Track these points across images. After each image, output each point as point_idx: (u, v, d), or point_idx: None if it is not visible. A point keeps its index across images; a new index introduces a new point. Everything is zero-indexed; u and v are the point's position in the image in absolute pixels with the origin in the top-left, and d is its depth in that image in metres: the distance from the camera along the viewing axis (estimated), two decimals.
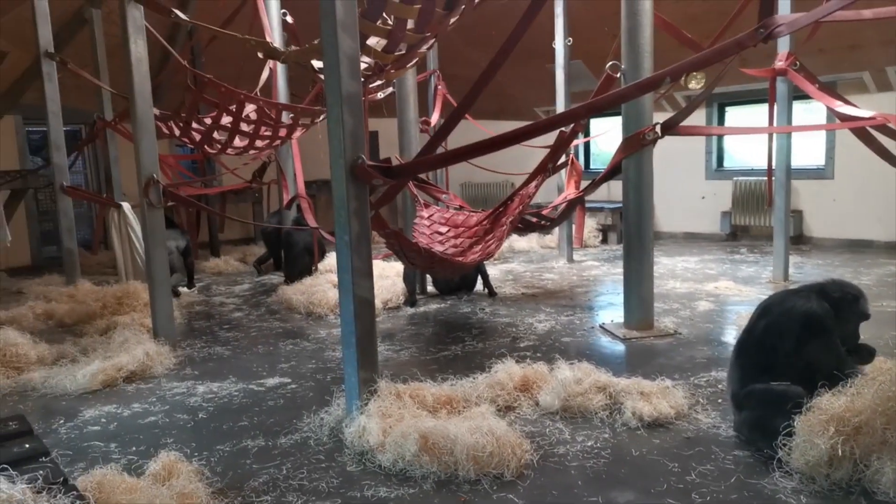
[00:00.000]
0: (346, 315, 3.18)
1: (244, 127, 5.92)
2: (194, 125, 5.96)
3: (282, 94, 7.26)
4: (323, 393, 3.77)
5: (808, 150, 8.71)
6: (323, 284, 6.11)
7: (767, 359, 2.88)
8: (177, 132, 6.07)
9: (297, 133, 6.49)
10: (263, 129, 5.99)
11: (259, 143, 6.33)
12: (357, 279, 3.12)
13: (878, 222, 8.21)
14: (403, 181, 3.69)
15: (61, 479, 2.16)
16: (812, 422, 2.53)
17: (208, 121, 5.90)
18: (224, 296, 6.84)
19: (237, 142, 6.18)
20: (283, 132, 6.24)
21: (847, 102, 5.29)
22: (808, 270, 6.90)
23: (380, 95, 6.00)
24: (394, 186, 3.51)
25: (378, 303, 5.67)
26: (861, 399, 2.52)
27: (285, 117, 6.29)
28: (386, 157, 3.31)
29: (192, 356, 4.69)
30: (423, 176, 6.28)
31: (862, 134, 6.04)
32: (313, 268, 6.79)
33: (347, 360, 3.22)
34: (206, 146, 6.20)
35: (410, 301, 5.99)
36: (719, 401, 3.41)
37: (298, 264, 6.80)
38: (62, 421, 3.52)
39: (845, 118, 5.13)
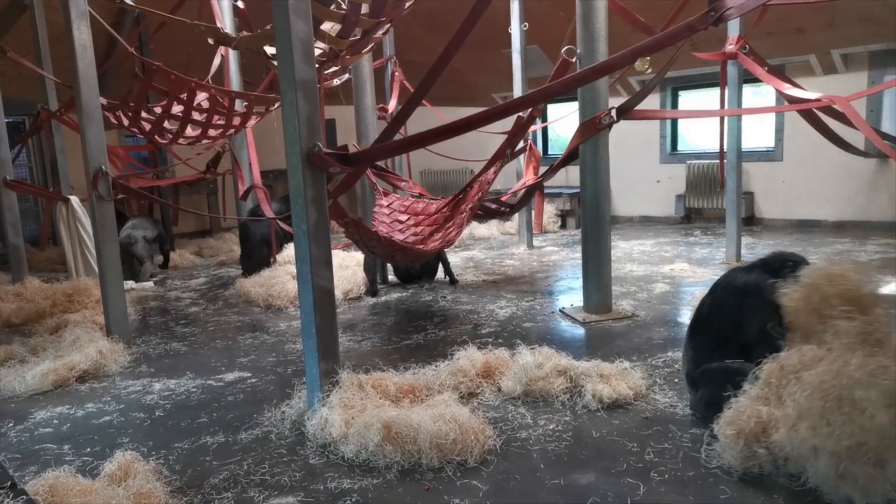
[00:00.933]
0: (306, 306, 3.13)
1: (196, 116, 5.77)
2: (144, 114, 5.79)
3: (234, 82, 7.09)
4: (284, 386, 3.72)
5: (758, 133, 8.93)
6: (282, 276, 6.02)
7: (718, 336, 2.95)
8: (125, 122, 5.89)
9: (252, 121, 6.36)
10: (216, 117, 5.85)
11: (212, 133, 6.19)
12: (316, 269, 3.08)
13: (826, 202, 8.48)
14: (361, 169, 3.64)
15: (9, 483, 2.08)
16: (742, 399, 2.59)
17: (158, 110, 5.73)
18: (180, 290, 6.69)
19: (189, 131, 6.02)
20: (236, 121, 6.11)
21: (794, 85, 5.43)
22: (759, 251, 7.09)
23: (336, 82, 5.91)
24: (352, 174, 3.46)
25: (338, 293, 5.62)
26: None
27: (239, 105, 6.16)
28: (343, 144, 3.26)
29: (148, 353, 4.58)
30: (382, 164, 6.23)
31: (809, 116, 6.21)
32: (272, 259, 6.68)
33: (308, 351, 3.18)
34: (156, 136, 6.03)
35: (372, 291, 5.95)
36: (676, 380, 3.48)
37: (256, 256, 6.69)
38: (11, 424, 3.40)
39: (793, 100, 5.26)
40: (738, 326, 2.89)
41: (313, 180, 3.06)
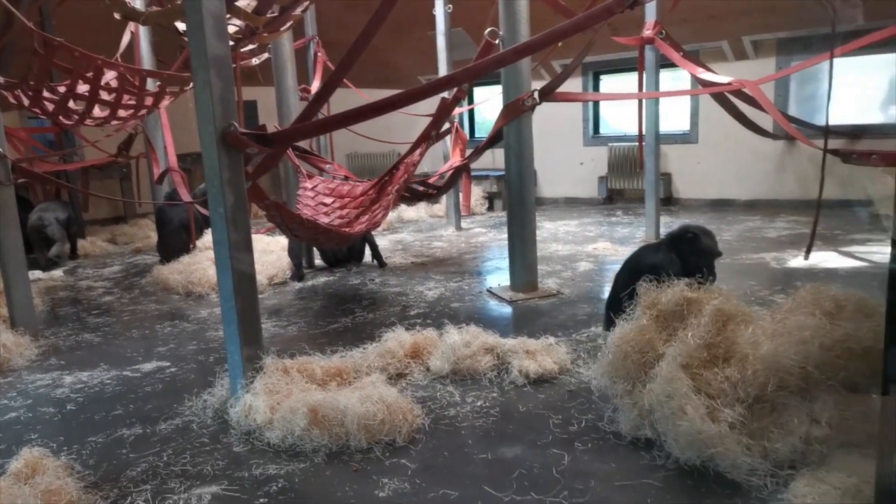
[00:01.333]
0: (226, 291, 3.04)
1: (104, 95, 5.46)
2: (46, 94, 5.41)
3: (146, 60, 6.74)
4: (206, 374, 3.60)
5: (674, 117, 9.25)
6: (202, 262, 5.81)
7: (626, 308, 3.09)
8: (25, 102, 5.50)
9: (166, 101, 6.08)
10: (126, 97, 5.55)
11: (122, 113, 5.87)
12: (235, 253, 2.98)
13: (738, 182, 8.90)
14: (281, 150, 3.54)
15: None
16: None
17: (62, 89, 5.38)
18: (92, 279, 6.36)
19: (97, 112, 5.68)
20: (149, 101, 5.81)
21: (708, 69, 5.65)
22: (672, 230, 7.37)
23: (255, 61, 5.71)
24: (271, 155, 3.36)
25: (263, 278, 5.49)
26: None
27: (151, 84, 5.87)
28: (261, 124, 3.16)
29: (57, 345, 4.33)
30: (306, 147, 6.09)
31: (721, 99, 6.49)
32: (191, 245, 6.43)
33: (229, 338, 3.08)
34: (61, 117, 5.67)
35: (297, 275, 5.83)
36: (598, 354, 3.58)
37: (174, 242, 6.42)
38: None
39: (706, 84, 5.48)
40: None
41: (230, 161, 2.95)
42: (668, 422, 2.39)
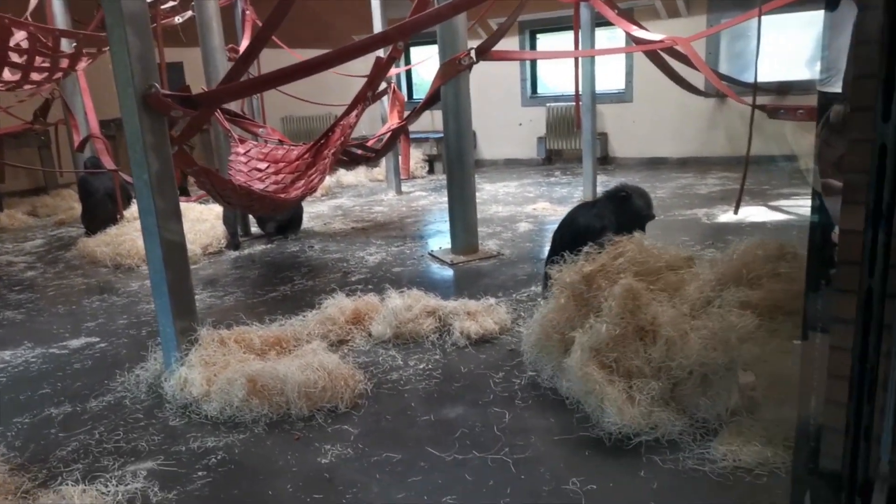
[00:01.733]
0: (155, 262, 2.91)
1: (14, 58, 5.10)
2: None
3: (60, 20, 6.32)
4: (138, 349, 3.47)
5: (610, 76, 9.33)
6: (131, 233, 5.56)
7: None
8: None
9: (83, 64, 5.73)
10: (39, 59, 5.20)
11: (36, 77, 5.51)
12: (163, 222, 2.85)
13: (671, 141, 9.09)
14: (207, 112, 3.38)
15: None
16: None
17: None
18: (12, 254, 6.02)
19: (7, 75, 5.32)
20: (64, 63, 5.47)
21: (642, 27, 5.68)
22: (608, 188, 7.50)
23: (177, 20, 5.43)
24: (197, 118, 3.20)
25: (196, 248, 5.32)
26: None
27: (66, 45, 5.51)
28: (184, 84, 3.00)
29: None
30: (237, 110, 5.86)
31: (655, 57, 6.55)
32: (118, 216, 6.15)
33: (161, 310, 2.98)
34: None
35: (233, 244, 5.67)
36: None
37: (100, 213, 6.13)
38: None
39: (640, 42, 5.51)
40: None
41: (152, 125, 2.80)
42: (594, 414, 2.41)
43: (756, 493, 2.00)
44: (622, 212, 3.34)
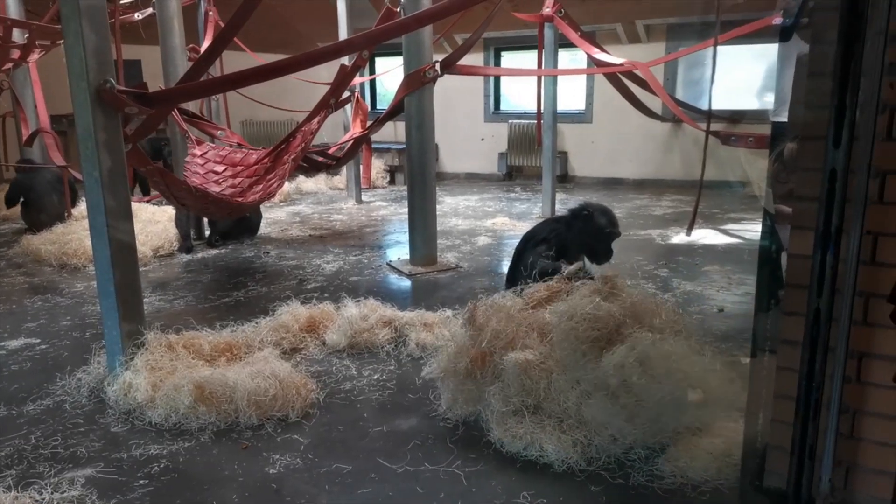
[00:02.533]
0: (102, 262, 2.82)
1: None
2: None
3: (13, 9, 6.11)
4: (81, 352, 3.35)
5: (571, 97, 9.50)
6: (79, 232, 5.38)
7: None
8: None
9: (35, 56, 5.54)
10: None
11: None
12: (112, 221, 2.77)
13: (629, 162, 9.29)
14: (164, 110, 3.30)
15: None
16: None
17: None
18: None
19: None
20: (15, 54, 5.30)
21: (603, 50, 5.81)
22: (571, 206, 7.61)
23: (137, 16, 5.31)
24: (153, 117, 3.13)
25: (147, 250, 5.17)
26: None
27: (18, 36, 5.33)
28: (141, 82, 2.93)
29: None
30: (197, 112, 5.76)
31: (615, 81, 6.70)
32: (66, 213, 5.94)
33: (106, 312, 2.88)
34: None
35: (185, 247, 5.54)
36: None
37: (45, 210, 5.91)
38: None
39: (601, 64, 5.63)
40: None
41: (106, 121, 2.72)
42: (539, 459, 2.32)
43: None
44: (586, 230, 3.36)
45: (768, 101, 8.44)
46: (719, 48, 5.00)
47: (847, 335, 1.39)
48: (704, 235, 5.85)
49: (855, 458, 1.73)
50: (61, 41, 5.38)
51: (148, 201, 6.16)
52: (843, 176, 1.16)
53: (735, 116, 8.08)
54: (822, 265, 1.22)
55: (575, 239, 3.38)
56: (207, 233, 5.95)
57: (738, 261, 4.94)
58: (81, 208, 6.00)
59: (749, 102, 8.54)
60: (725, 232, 6.02)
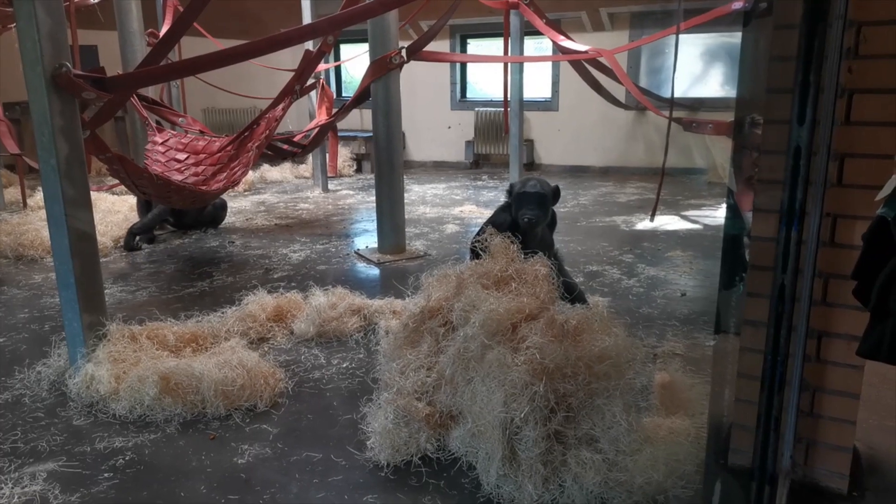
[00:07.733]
0: (61, 252, 2.74)
1: None
2: None
3: None
4: (40, 345, 3.26)
5: (537, 84, 9.53)
6: (35, 223, 5.23)
7: None
8: None
9: None
10: None
11: None
12: (71, 210, 2.69)
13: (594, 150, 9.38)
14: (122, 96, 3.19)
15: None
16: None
17: None
18: None
19: None
20: None
21: (569, 38, 5.84)
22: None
23: (91, 0, 5.14)
24: (111, 102, 3.03)
25: (107, 240, 5.06)
26: None
27: None
28: (99, 66, 2.84)
29: None
30: (158, 99, 5.61)
31: (579, 68, 6.74)
32: (22, 204, 5.77)
33: (66, 303, 2.80)
34: None
35: (148, 238, 5.42)
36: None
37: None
38: None
39: (566, 51, 5.65)
40: None
41: (62, 107, 2.64)
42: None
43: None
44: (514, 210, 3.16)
45: (726, 88, 8.61)
46: (682, 36, 5.07)
47: (807, 314, 1.43)
48: (667, 221, 5.94)
49: (815, 435, 1.79)
50: (13, 24, 5.19)
51: (107, 190, 6.00)
52: (806, 153, 1.19)
53: (695, 104, 8.22)
54: (787, 241, 1.25)
55: (511, 220, 3.13)
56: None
57: (699, 246, 5.04)
58: (38, 198, 5.85)
59: (710, 90, 8.70)
60: (687, 218, 6.13)
